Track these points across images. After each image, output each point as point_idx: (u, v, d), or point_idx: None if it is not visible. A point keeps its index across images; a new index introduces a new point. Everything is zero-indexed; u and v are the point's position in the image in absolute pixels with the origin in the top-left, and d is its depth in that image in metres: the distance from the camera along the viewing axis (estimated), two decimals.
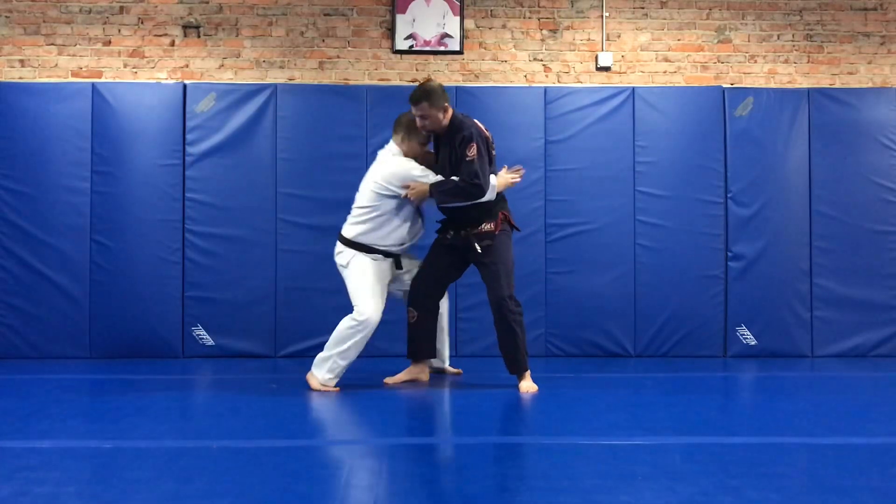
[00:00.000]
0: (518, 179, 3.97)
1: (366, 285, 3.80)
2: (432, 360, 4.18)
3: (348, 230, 3.90)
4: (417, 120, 3.77)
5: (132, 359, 4.84)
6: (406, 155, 3.86)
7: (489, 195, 3.74)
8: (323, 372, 3.78)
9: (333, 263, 3.99)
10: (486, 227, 3.78)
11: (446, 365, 4.26)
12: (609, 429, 3.07)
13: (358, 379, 4.11)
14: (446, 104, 3.75)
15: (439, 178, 3.78)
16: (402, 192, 3.78)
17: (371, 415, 3.36)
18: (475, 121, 3.84)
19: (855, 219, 5.13)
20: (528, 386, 3.77)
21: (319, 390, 3.77)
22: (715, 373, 4.58)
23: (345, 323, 3.76)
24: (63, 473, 2.41)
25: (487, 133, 3.85)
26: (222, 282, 4.95)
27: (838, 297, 5.11)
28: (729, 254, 5.10)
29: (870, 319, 5.12)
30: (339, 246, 3.92)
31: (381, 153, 3.96)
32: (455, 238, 3.86)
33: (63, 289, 4.88)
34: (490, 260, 3.78)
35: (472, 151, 3.66)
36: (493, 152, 3.88)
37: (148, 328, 4.90)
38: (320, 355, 3.82)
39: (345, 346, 3.74)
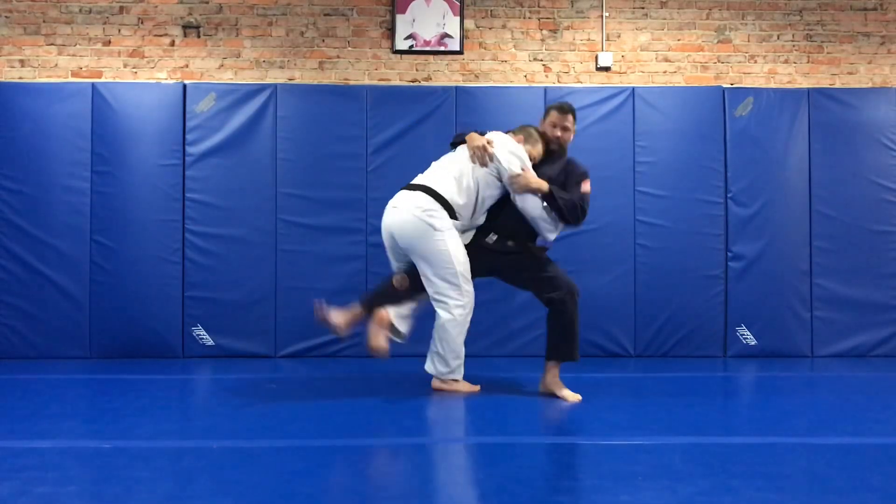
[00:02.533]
0: None
1: (464, 263, 3.57)
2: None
3: (442, 186, 3.50)
4: (557, 130, 3.70)
5: (132, 359, 4.85)
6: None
7: (550, 238, 3.66)
8: (450, 372, 3.73)
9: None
10: (532, 245, 3.71)
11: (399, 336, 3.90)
12: (609, 429, 3.07)
13: (358, 379, 4.11)
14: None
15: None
16: (512, 173, 3.52)
17: (370, 415, 3.36)
18: None
19: (855, 219, 5.14)
20: (569, 395, 3.62)
21: (464, 391, 3.75)
22: (715, 373, 4.58)
23: (449, 314, 3.59)
24: (63, 473, 2.41)
25: None
26: (222, 282, 4.95)
27: (838, 297, 5.12)
28: (729, 254, 5.10)
29: (870, 319, 5.13)
30: (429, 201, 3.48)
31: (494, 134, 3.68)
32: (497, 244, 3.72)
33: (63, 289, 4.88)
34: (545, 259, 3.72)
35: (588, 187, 3.66)
36: None
37: (148, 328, 4.90)
38: (436, 356, 3.70)
39: (459, 335, 3.64)
